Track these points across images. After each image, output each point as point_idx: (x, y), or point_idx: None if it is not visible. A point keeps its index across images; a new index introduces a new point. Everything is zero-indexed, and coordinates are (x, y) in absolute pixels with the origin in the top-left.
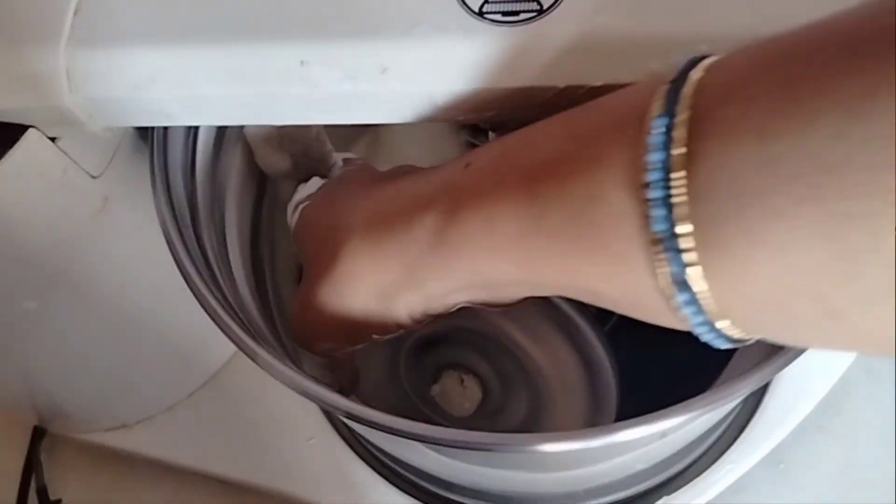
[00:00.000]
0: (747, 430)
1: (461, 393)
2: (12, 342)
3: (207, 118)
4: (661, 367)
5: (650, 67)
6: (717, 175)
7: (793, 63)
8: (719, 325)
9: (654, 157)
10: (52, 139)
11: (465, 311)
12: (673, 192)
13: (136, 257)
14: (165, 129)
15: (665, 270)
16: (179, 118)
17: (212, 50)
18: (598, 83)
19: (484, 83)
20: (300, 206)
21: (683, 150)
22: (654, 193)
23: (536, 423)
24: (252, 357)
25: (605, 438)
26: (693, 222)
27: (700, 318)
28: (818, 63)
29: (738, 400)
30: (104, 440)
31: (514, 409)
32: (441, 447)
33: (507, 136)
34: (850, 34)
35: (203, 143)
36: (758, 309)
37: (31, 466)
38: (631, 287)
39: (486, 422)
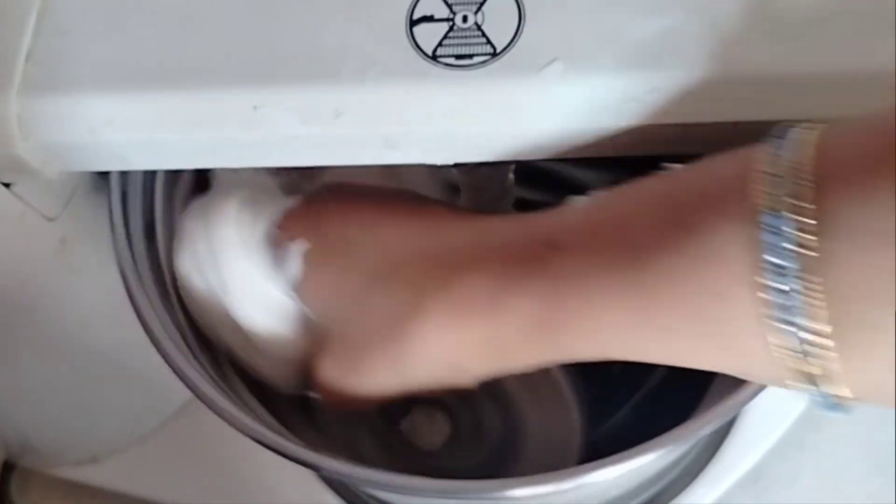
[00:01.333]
0: (723, 448)
1: (430, 427)
2: None
3: (163, 162)
4: (633, 400)
5: (599, 118)
6: (851, 278)
7: None
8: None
9: (776, 260)
10: (6, 185)
11: None
12: (807, 296)
13: (99, 294)
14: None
15: (798, 367)
16: (135, 163)
17: (166, 95)
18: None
19: (439, 126)
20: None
21: (815, 255)
22: (786, 301)
23: (507, 456)
24: (207, 403)
25: (572, 481)
26: (831, 324)
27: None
28: None
29: (708, 431)
30: (74, 475)
31: (484, 443)
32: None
33: (593, 213)
34: None
35: (162, 182)
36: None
37: (2, 501)
38: (756, 372)
39: (455, 455)
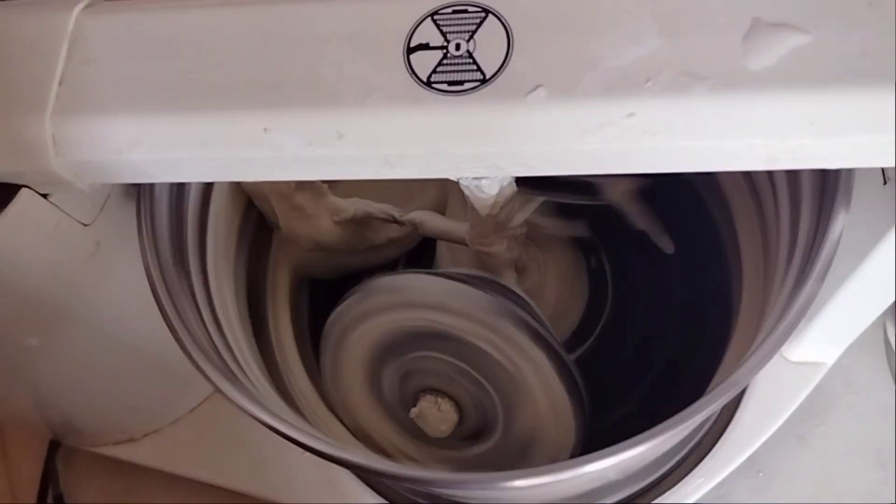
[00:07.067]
0: (723, 438)
1: (437, 416)
2: (20, 371)
3: (184, 177)
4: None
5: (581, 140)
6: None
7: None
8: None
9: None
10: (44, 195)
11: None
12: None
13: (132, 291)
14: None
15: None
16: (159, 177)
17: (184, 118)
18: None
19: (433, 148)
20: None
21: None
22: None
23: (510, 441)
24: (226, 395)
25: (570, 472)
26: None
27: None
28: None
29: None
30: (113, 453)
31: (489, 431)
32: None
33: None
34: None
35: (189, 187)
36: None
37: (49, 476)
38: None
39: (461, 442)
